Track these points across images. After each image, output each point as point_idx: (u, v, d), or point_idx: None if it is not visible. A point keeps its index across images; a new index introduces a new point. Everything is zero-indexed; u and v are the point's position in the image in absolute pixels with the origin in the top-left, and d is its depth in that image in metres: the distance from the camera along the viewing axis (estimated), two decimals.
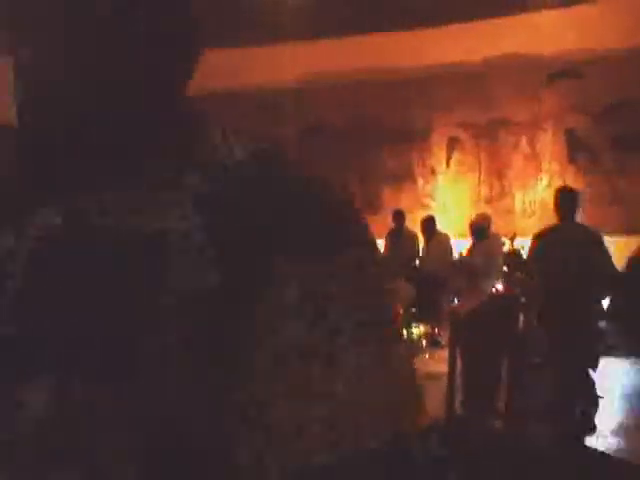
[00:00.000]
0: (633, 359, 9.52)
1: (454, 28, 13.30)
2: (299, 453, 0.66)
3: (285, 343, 0.67)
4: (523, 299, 7.73)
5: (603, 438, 6.59)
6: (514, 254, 10.90)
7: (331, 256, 0.70)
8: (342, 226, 0.73)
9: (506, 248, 11.62)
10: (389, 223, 11.83)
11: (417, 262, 10.98)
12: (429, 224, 10.90)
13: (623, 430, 7.04)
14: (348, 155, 14.38)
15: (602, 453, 6.35)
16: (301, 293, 0.68)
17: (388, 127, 14.24)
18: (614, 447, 6.53)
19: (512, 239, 12.08)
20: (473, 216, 10.37)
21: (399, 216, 11.61)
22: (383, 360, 0.70)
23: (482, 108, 13.71)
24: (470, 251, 9.80)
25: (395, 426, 0.69)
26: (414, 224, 11.79)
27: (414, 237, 11.36)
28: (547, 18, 12.83)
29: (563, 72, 13.04)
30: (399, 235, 11.13)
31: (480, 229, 9.80)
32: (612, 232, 11.87)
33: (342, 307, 0.68)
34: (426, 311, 7.51)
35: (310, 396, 0.66)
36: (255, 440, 0.66)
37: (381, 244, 11.23)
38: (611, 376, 8.73)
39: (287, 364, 0.66)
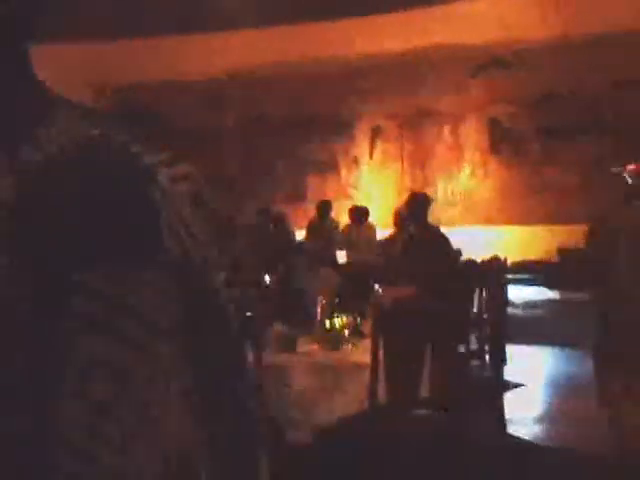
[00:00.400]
0: (556, 347, 9.63)
1: (382, 18, 13.30)
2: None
3: (87, 359, 0.63)
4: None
5: (527, 426, 6.62)
6: None
7: (139, 271, 0.66)
8: (151, 239, 0.69)
9: None
10: (311, 213, 11.79)
11: (341, 251, 10.90)
12: (359, 213, 10.82)
13: (547, 417, 7.09)
14: (276, 145, 14.34)
15: (526, 441, 6.37)
16: (105, 309, 0.64)
17: (315, 117, 14.22)
18: (538, 434, 6.57)
19: None
20: (398, 205, 10.34)
21: (323, 206, 11.55)
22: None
23: (408, 98, 13.74)
24: (392, 240, 9.75)
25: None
26: (338, 214, 11.75)
27: (336, 227, 11.28)
28: (475, 8, 12.89)
29: (490, 63, 13.14)
30: (322, 225, 11.05)
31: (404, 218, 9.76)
32: (537, 222, 12.04)
33: (143, 322, 0.66)
34: (351, 301, 7.45)
35: (107, 413, 0.64)
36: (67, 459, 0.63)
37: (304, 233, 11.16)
38: (534, 364, 8.81)
39: (90, 380, 0.64)
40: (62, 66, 13.78)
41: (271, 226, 10.79)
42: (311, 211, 11.93)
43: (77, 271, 0.62)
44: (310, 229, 11.00)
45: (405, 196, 13.24)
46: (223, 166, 14.51)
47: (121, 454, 0.63)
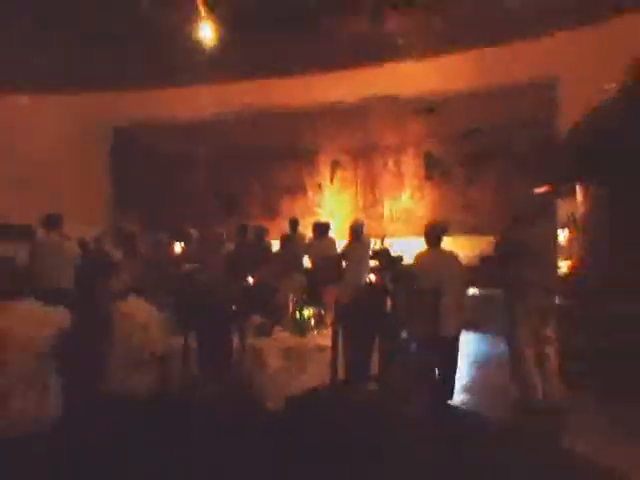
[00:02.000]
0: (478, 333, 9.76)
1: (336, 74, 13.49)
2: None
3: None
4: (390, 287, 7.80)
5: (456, 394, 6.67)
6: (384, 251, 10.98)
7: None
8: None
9: (377, 246, 11.71)
10: (285, 227, 11.86)
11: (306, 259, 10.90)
12: (321, 228, 10.81)
13: (470, 388, 7.16)
14: (252, 171, 14.45)
15: (458, 408, 6.44)
16: None
17: (284, 150, 14.29)
18: (464, 401, 6.63)
19: (382, 239, 12.23)
20: (353, 220, 10.40)
21: (293, 223, 11.63)
22: None
23: (359, 136, 13.87)
24: (347, 250, 9.81)
25: None
26: (306, 228, 11.80)
27: (304, 239, 11.29)
28: (411, 67, 13.05)
29: (423, 108, 13.27)
30: (293, 238, 11.07)
31: (359, 231, 9.83)
32: (462, 233, 12.16)
33: None
34: (315, 297, 7.51)
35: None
36: None
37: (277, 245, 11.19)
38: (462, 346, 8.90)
39: None
40: (79, 112, 13.85)
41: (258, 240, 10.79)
42: (284, 226, 12.04)
43: None
44: (283, 241, 11.02)
45: (359, 213, 13.50)
46: (199, 187, 14.63)
47: None
